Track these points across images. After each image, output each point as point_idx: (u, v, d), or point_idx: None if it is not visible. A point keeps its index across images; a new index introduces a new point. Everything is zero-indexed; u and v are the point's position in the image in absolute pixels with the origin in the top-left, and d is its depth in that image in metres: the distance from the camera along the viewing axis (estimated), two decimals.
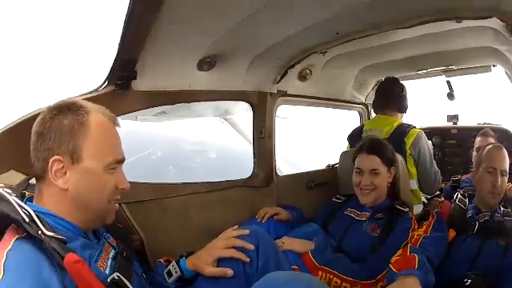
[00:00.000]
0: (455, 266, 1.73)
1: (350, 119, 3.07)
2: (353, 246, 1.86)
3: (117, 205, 1.10)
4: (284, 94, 2.28)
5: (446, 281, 1.51)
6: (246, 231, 1.40)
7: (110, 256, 1.08)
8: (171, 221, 1.80)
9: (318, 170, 2.72)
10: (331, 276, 1.68)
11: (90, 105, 1.05)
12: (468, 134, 3.15)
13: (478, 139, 2.66)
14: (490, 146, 1.94)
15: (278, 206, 2.12)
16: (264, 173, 2.24)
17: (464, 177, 2.71)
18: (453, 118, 3.27)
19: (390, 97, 2.45)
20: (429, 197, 2.50)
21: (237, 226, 1.44)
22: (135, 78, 1.52)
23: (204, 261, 1.30)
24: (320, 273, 1.70)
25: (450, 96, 3.10)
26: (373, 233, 1.85)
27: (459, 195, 2.04)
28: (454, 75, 2.98)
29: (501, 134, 2.74)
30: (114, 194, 1.06)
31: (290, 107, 2.57)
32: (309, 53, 2.03)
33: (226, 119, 3.17)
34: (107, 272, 1.01)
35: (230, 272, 1.28)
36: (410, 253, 1.54)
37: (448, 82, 3.10)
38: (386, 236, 1.80)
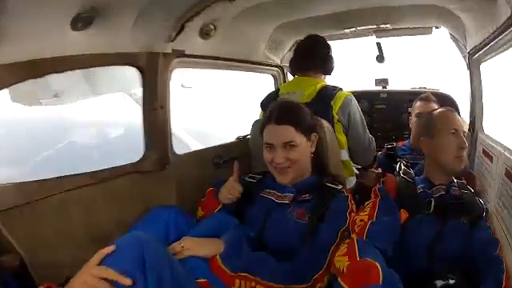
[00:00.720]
0: (412, 255, 1.43)
1: (265, 84, 2.71)
2: (276, 237, 1.49)
3: None
4: (181, 54, 1.81)
5: (403, 274, 1.16)
6: (111, 248, 1.09)
7: None
8: (49, 228, 1.44)
9: (227, 144, 2.30)
10: (253, 284, 1.30)
11: None
12: (400, 99, 2.97)
13: (417, 104, 2.42)
14: (442, 109, 1.67)
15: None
16: (157, 153, 1.78)
17: (400, 144, 2.52)
18: (382, 81, 3.06)
19: (315, 56, 2.09)
20: (359, 167, 2.22)
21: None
22: None
23: None
24: (237, 281, 1.32)
25: (380, 58, 2.89)
26: (300, 219, 1.49)
27: (402, 166, 1.73)
28: (386, 36, 2.73)
29: (442, 100, 2.52)
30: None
31: (197, 74, 2.13)
32: (211, 1, 1.61)
33: (130, 94, 2.68)
34: None
35: None
36: (358, 251, 1.18)
37: (378, 44, 2.88)
38: (318, 222, 1.45)
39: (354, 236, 1.35)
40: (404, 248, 1.43)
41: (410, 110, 2.66)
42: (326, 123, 1.83)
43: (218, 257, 1.37)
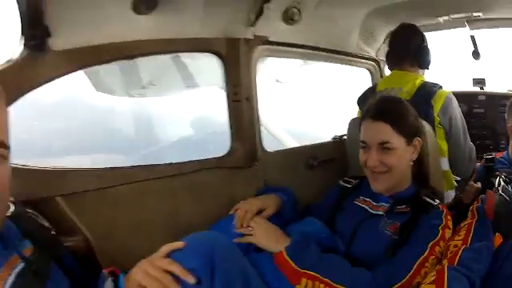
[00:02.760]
0: (500, 286, 1.14)
1: (361, 79, 2.44)
2: (365, 249, 1.30)
3: None
4: (265, 41, 1.65)
5: None
6: (181, 244, 1.05)
7: (15, 272, 0.86)
8: (122, 215, 1.41)
9: (322, 144, 2.08)
10: (322, 285, 1.12)
11: None
12: (496, 103, 2.56)
13: None
14: None
15: (260, 191, 1.59)
16: (244, 148, 1.64)
17: (499, 155, 2.16)
18: (479, 82, 2.66)
19: (409, 47, 1.83)
20: (459, 179, 1.90)
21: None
22: (49, 35, 1.21)
23: (130, 284, 1.01)
24: (303, 280, 1.14)
25: (475, 54, 2.51)
26: (394, 234, 1.26)
27: (501, 182, 1.42)
28: (479, 27, 2.40)
29: None
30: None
31: (292, 69, 1.99)
32: None
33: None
34: None
35: None
36: (448, 281, 1.00)
37: (472, 37, 2.51)
38: (408, 237, 1.23)
39: (445, 263, 1.13)
40: (492, 279, 1.15)
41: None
42: (427, 126, 1.55)
43: (283, 250, 1.21)
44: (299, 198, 1.62)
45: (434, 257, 1.17)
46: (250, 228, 1.32)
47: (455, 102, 1.76)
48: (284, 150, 2.08)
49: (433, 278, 1.06)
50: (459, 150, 1.77)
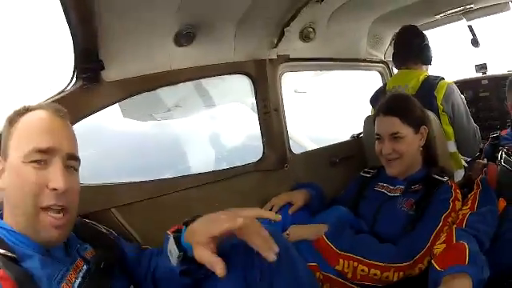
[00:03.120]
0: (507, 248, 1.37)
1: (372, 82, 2.67)
2: (386, 227, 1.53)
3: (51, 218, 0.88)
4: (287, 58, 1.93)
5: (494, 268, 1.15)
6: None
7: (81, 274, 0.94)
8: (171, 220, 1.47)
9: (342, 143, 2.34)
10: (355, 264, 1.37)
11: (39, 104, 0.98)
12: (499, 84, 2.72)
13: None
14: None
15: (292, 188, 1.83)
16: (276, 153, 1.91)
17: (504, 132, 2.34)
18: (481, 67, 2.84)
19: (411, 47, 2.09)
20: (469, 159, 2.13)
21: None
22: (103, 68, 1.36)
23: (197, 238, 0.93)
24: (341, 261, 1.39)
25: (475, 42, 2.71)
26: (410, 210, 1.51)
27: (503, 154, 1.67)
28: (474, 17, 2.59)
29: None
30: (43, 196, 0.87)
31: (308, 79, 2.20)
32: (302, 3, 1.69)
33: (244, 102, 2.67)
34: None
35: (220, 270, 0.88)
36: (456, 238, 1.21)
37: (470, 27, 2.71)
38: (423, 211, 1.47)
39: (453, 227, 1.35)
40: (498, 241, 1.37)
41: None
42: (432, 114, 1.80)
43: (323, 235, 1.45)
44: (325, 192, 1.88)
45: (447, 227, 1.39)
46: (287, 233, 1.52)
47: (457, 91, 1.99)
48: (309, 151, 2.29)
49: (444, 239, 1.27)
50: (463, 131, 1.99)
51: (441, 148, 1.78)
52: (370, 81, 2.66)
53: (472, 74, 2.93)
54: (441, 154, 1.76)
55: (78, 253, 0.98)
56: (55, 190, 0.86)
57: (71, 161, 0.92)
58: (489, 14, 2.57)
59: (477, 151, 2.14)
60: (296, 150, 2.03)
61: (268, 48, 1.85)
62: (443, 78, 1.99)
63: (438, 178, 1.55)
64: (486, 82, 2.81)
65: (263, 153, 1.91)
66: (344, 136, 2.39)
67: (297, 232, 1.53)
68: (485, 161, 2.13)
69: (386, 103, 1.63)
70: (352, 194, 1.77)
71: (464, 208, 1.46)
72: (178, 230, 1.02)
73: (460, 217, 1.41)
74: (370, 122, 1.87)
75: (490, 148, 2.26)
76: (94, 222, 1.16)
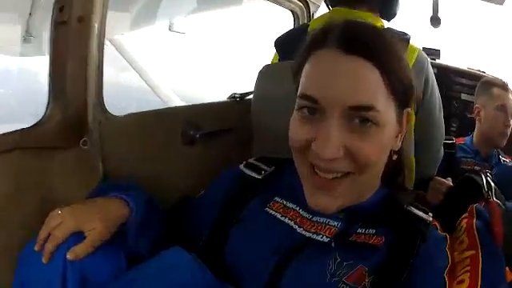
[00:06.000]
0: None
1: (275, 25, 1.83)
2: None
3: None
4: None
5: None
6: None
7: None
8: None
9: (211, 105, 1.36)
10: None
11: None
12: (452, 80, 2.23)
13: (497, 93, 1.78)
14: None
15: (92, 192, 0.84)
16: (67, 113, 0.88)
17: (460, 141, 1.86)
18: (432, 53, 2.25)
19: None
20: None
21: None
22: None
23: None
24: None
25: (435, 21, 2.14)
26: (356, 284, 0.62)
27: (490, 182, 0.88)
28: None
29: None
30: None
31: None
32: None
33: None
34: None
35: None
36: None
37: (435, 2, 2.12)
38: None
39: None
40: None
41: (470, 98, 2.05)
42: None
43: None
44: (170, 190, 0.97)
45: None
46: None
47: (429, 63, 1.21)
48: (144, 112, 1.12)
49: None
50: (433, 126, 1.22)
51: (408, 150, 1.06)
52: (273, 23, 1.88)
53: None
54: (407, 161, 1.03)
55: None
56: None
57: None
58: None
59: (439, 161, 1.38)
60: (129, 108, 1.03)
61: None
62: (410, 38, 1.15)
63: (418, 214, 0.70)
64: (435, 70, 2.33)
65: (45, 112, 0.88)
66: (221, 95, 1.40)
67: None
68: (449, 180, 1.40)
69: (342, 27, 0.67)
70: (216, 209, 0.77)
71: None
72: None
73: None
74: (270, 74, 0.98)
75: (443, 159, 1.62)
76: None
